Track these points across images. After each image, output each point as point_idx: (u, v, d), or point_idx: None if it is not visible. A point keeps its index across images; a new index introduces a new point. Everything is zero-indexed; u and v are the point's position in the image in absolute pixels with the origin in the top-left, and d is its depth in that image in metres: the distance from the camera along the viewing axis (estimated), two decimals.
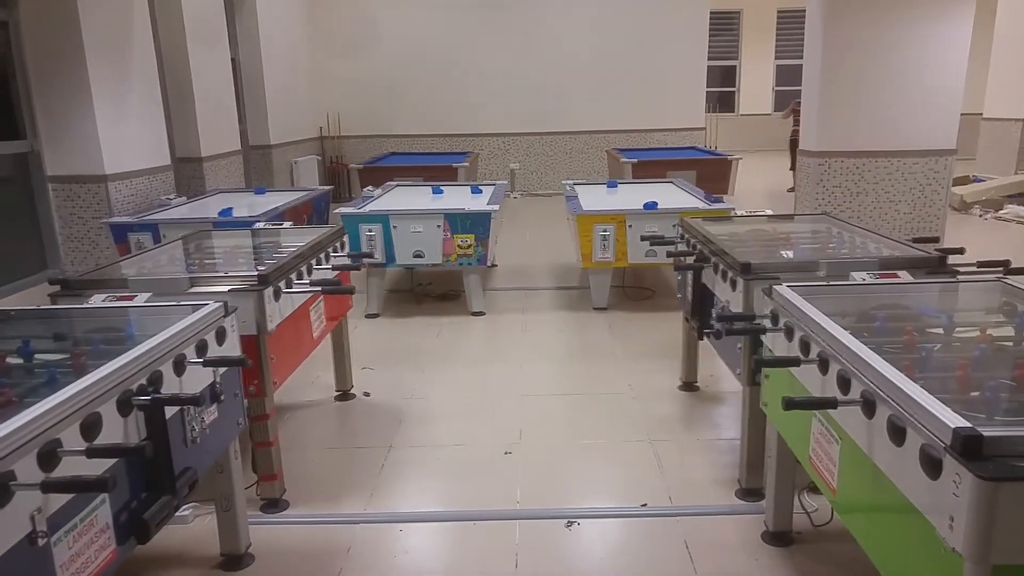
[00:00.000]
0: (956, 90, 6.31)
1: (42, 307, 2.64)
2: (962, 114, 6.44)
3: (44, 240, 5.88)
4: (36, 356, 2.22)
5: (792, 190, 11.23)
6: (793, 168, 11.40)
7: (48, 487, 1.55)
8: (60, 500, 1.62)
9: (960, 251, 2.96)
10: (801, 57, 6.98)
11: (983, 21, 7.21)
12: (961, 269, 2.76)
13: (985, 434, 1.35)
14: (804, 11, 6.87)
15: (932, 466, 1.44)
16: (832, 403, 1.85)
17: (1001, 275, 2.58)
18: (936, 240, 3.24)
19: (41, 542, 1.56)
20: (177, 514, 2.15)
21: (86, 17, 5.53)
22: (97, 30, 5.65)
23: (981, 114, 11.20)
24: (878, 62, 6.22)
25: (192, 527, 2.84)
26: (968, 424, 1.40)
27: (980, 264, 2.78)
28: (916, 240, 3.13)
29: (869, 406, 1.73)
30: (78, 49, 5.51)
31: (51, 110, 5.63)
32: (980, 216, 9.09)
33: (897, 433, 1.59)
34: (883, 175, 6.44)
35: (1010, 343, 2.16)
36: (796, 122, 11.22)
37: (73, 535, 1.67)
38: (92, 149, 5.70)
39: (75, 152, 5.70)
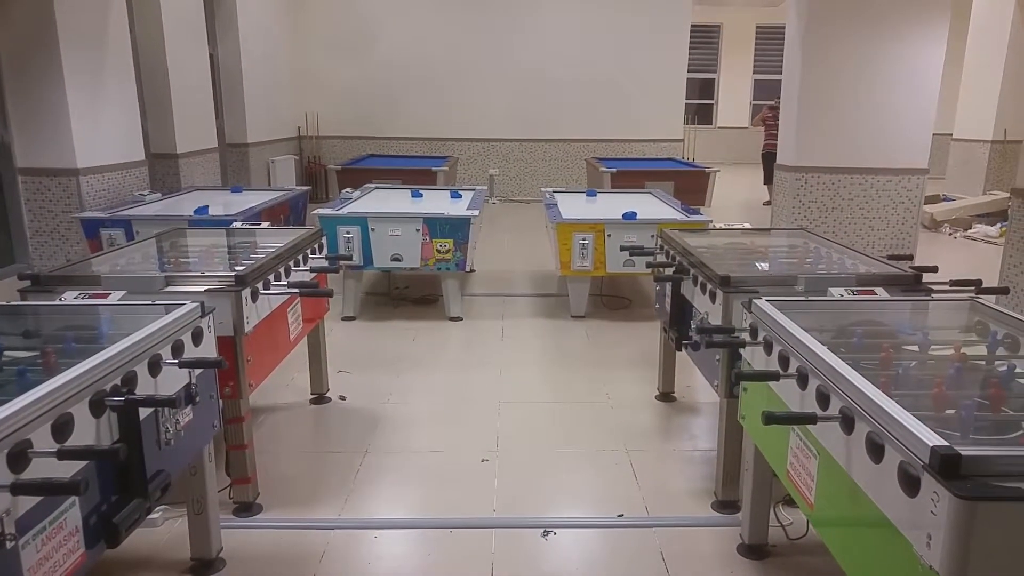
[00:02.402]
0: (928, 111, 6.44)
1: (11, 303, 2.58)
2: (933, 134, 6.57)
3: (12, 234, 5.75)
4: (5, 353, 2.16)
5: (768, 203, 11.36)
6: (768, 182, 11.52)
7: (18, 489, 1.51)
8: (29, 502, 1.58)
9: (934, 269, 3.01)
10: (779, 72, 7.08)
11: (954, 44, 7.37)
12: (935, 287, 2.81)
13: (963, 453, 1.37)
14: (783, 27, 6.98)
15: (910, 484, 1.46)
16: (812, 419, 1.87)
17: (973, 294, 2.63)
18: (911, 258, 3.29)
19: (9, 545, 1.52)
20: (147, 517, 2.10)
21: (61, 6, 5.42)
22: (72, 20, 5.55)
23: (951, 134, 11.45)
24: (854, 80, 6.33)
25: (162, 530, 2.79)
26: (946, 443, 1.42)
27: (953, 283, 2.82)
28: (891, 257, 3.18)
29: (848, 422, 1.75)
30: (52, 39, 5.41)
31: (23, 100, 5.51)
32: (950, 235, 9.29)
33: (875, 450, 1.61)
34: (858, 191, 6.55)
35: (983, 362, 2.20)
36: (768, 136, 11.37)
37: (42, 538, 1.63)
38: (64, 141, 5.59)
39: (47, 144, 5.58)
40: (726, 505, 2.96)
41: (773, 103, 11.41)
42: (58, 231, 5.78)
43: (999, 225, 9.14)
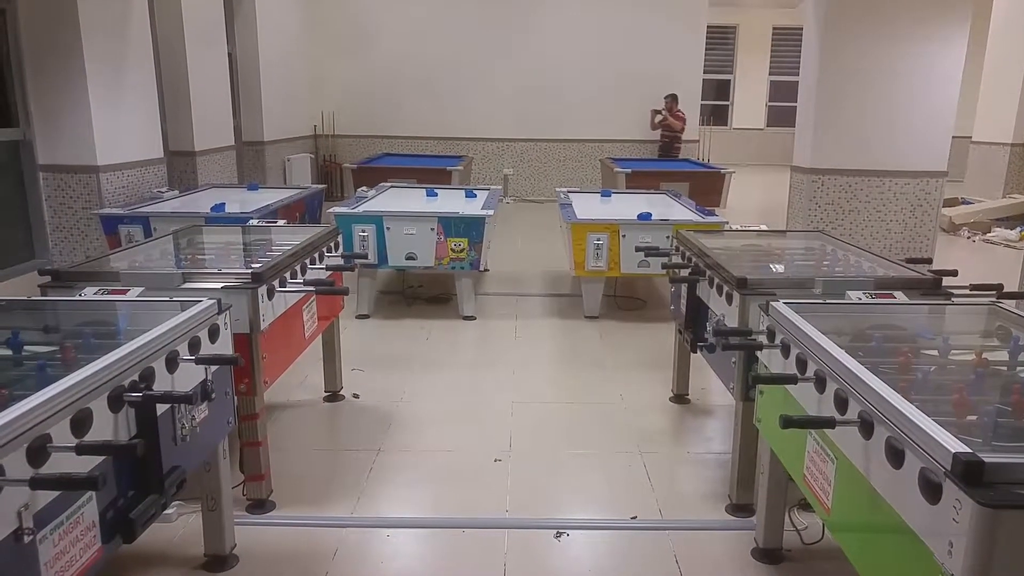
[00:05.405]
0: (948, 113, 6.38)
1: (33, 298, 2.60)
2: (952, 137, 6.50)
3: (33, 229, 5.82)
4: (26, 348, 2.18)
5: None
6: None
7: (37, 483, 1.52)
8: (47, 497, 1.59)
9: (953, 273, 2.98)
10: (794, 73, 7.03)
11: (974, 47, 7.29)
12: (955, 292, 2.78)
13: (986, 460, 1.35)
14: (799, 29, 6.94)
15: (931, 490, 1.44)
16: (830, 423, 1.85)
17: (995, 299, 2.59)
18: (929, 261, 3.26)
19: (27, 539, 1.53)
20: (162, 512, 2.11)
21: (84, 6, 5.48)
22: (94, 20, 5.61)
23: (970, 137, 11.32)
24: (873, 83, 6.28)
25: (176, 526, 2.81)
26: (969, 450, 1.40)
27: (973, 287, 2.79)
28: (909, 261, 3.14)
29: (867, 427, 1.73)
30: (75, 38, 5.47)
31: (45, 98, 5.58)
32: (968, 238, 9.19)
33: (895, 455, 1.59)
34: (875, 194, 6.49)
35: (1005, 368, 2.17)
36: (662, 136, 11.38)
37: (59, 533, 1.64)
38: (85, 139, 5.65)
39: (68, 142, 5.65)
40: (740, 509, 2.94)
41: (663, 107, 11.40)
42: (78, 227, 5.83)
43: (1019, 229, 9.04)
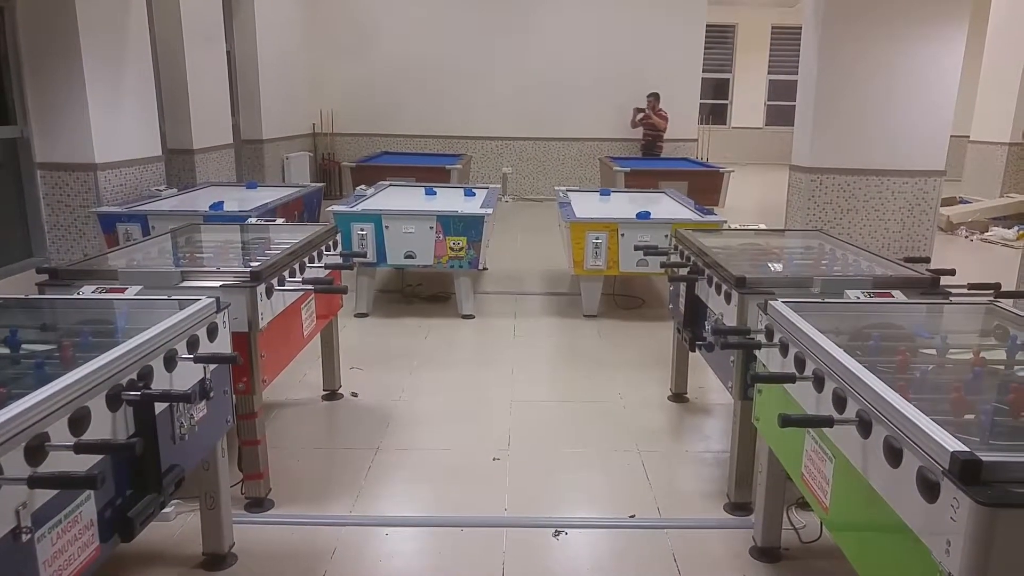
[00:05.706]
0: (946, 112, 6.37)
1: (30, 296, 2.60)
2: (950, 136, 6.51)
3: (30, 227, 5.80)
4: (24, 347, 2.18)
5: None
6: None
7: (35, 482, 1.52)
8: (45, 495, 1.59)
9: (951, 272, 2.98)
10: (793, 72, 7.03)
11: (972, 46, 7.29)
12: (953, 291, 2.78)
13: (984, 459, 1.35)
14: (798, 28, 6.93)
15: (929, 489, 1.44)
16: (828, 422, 1.85)
17: (992, 298, 2.60)
18: (927, 260, 3.26)
19: (25, 538, 1.53)
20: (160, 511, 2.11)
21: (82, 4, 5.47)
22: (93, 17, 5.60)
23: (968, 136, 11.33)
24: (872, 82, 6.28)
25: (174, 525, 2.81)
26: (967, 448, 1.40)
27: (971, 286, 2.79)
28: (908, 260, 3.15)
29: (865, 426, 1.73)
30: (73, 35, 5.46)
31: (43, 96, 5.56)
32: (966, 237, 9.20)
33: (893, 454, 1.59)
34: (873, 193, 6.49)
35: (1002, 367, 2.17)
36: (644, 134, 11.36)
37: (57, 531, 1.64)
38: (83, 137, 5.64)
39: (65, 139, 5.63)
40: (739, 507, 2.95)
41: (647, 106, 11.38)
42: (75, 225, 5.83)
43: (1016, 228, 9.05)
